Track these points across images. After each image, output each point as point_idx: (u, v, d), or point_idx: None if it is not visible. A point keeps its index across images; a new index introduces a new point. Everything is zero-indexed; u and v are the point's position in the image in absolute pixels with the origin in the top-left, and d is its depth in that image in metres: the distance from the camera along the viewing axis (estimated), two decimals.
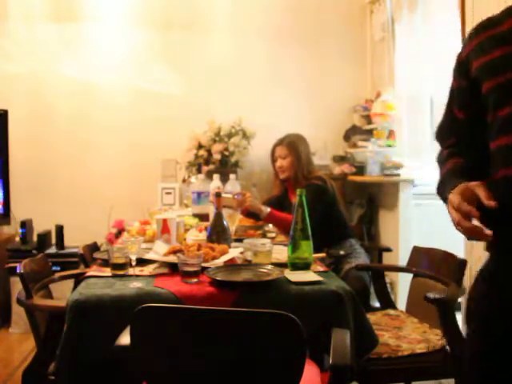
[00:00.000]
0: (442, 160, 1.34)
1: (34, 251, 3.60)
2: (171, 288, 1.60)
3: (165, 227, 2.13)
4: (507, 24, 1.13)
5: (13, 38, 4.06)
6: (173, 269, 1.79)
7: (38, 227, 3.88)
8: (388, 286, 2.58)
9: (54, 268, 3.25)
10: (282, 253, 1.98)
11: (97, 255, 2.05)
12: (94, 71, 4.14)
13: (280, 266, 1.81)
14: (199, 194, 2.96)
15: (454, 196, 1.10)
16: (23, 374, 1.71)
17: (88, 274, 1.79)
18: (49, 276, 2.03)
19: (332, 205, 2.77)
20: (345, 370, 1.25)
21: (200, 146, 3.94)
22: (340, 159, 4.16)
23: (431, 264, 2.14)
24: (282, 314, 1.12)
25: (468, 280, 2.63)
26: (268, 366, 1.16)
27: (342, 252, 2.66)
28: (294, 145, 2.86)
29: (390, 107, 3.92)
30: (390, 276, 3.69)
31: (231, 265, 1.83)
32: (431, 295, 1.81)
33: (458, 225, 1.07)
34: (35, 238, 3.80)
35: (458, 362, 1.83)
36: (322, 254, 2.15)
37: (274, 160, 2.95)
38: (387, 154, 3.89)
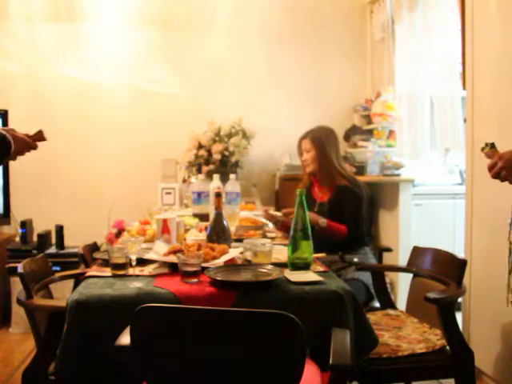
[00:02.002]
0: None
1: (34, 251, 3.60)
2: (171, 288, 1.60)
3: (165, 227, 2.12)
4: None
5: (13, 37, 4.07)
6: (173, 269, 1.79)
7: (38, 227, 3.88)
8: (388, 285, 2.58)
9: (54, 268, 3.26)
10: (282, 253, 1.98)
11: (97, 255, 2.05)
12: (93, 71, 4.15)
13: (280, 265, 1.81)
14: (199, 194, 2.96)
15: None
16: (23, 374, 1.70)
17: (88, 274, 1.79)
18: (49, 276, 2.03)
19: (362, 207, 2.75)
20: (345, 370, 1.25)
21: (200, 146, 3.94)
22: None
23: (431, 264, 2.14)
24: (282, 314, 1.12)
25: (468, 280, 2.63)
26: (268, 365, 1.16)
27: (355, 259, 2.63)
28: (318, 138, 2.78)
29: (390, 107, 3.92)
30: (389, 276, 3.69)
31: (231, 265, 1.83)
32: (431, 295, 1.81)
33: None
34: (35, 238, 3.80)
35: (458, 362, 1.83)
36: (322, 254, 2.15)
37: (300, 153, 2.90)
38: (387, 154, 3.90)
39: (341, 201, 2.67)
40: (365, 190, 2.76)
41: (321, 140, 2.77)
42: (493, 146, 1.59)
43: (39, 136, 1.89)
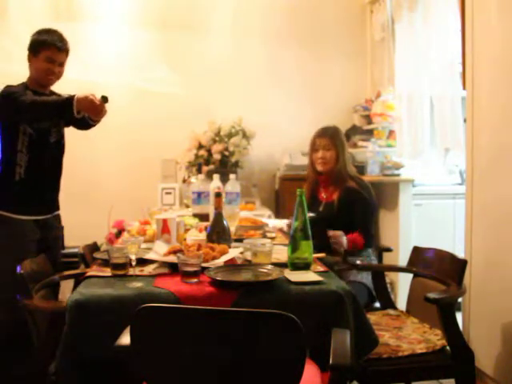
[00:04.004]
0: None
1: None
2: (171, 288, 1.60)
3: (165, 227, 2.12)
4: None
5: (13, 37, 4.06)
6: (173, 269, 1.79)
7: None
8: (388, 285, 2.58)
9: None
10: (282, 253, 1.98)
11: (97, 255, 2.05)
12: (94, 71, 4.14)
13: (280, 265, 1.81)
14: (199, 194, 2.96)
15: None
16: (23, 374, 1.71)
17: (88, 273, 1.79)
18: (49, 276, 2.03)
19: (371, 214, 2.71)
20: (345, 370, 1.25)
21: (200, 146, 3.95)
22: None
23: (431, 264, 2.14)
24: (282, 314, 1.12)
25: (468, 280, 2.63)
26: (268, 365, 1.15)
27: (358, 262, 2.58)
28: (338, 138, 2.72)
29: (390, 107, 3.92)
30: (390, 276, 3.69)
31: (231, 265, 1.83)
32: (432, 295, 1.81)
33: None
34: None
35: (458, 362, 1.83)
36: (322, 254, 2.15)
37: (314, 150, 2.76)
38: (387, 154, 3.90)
39: (351, 203, 2.63)
40: (372, 194, 2.75)
41: (341, 140, 2.73)
42: None
43: (103, 99, 2.29)
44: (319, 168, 2.74)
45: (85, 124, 2.58)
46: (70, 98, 2.26)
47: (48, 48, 2.47)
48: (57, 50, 2.48)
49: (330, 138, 2.72)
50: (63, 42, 2.53)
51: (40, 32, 2.51)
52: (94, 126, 2.59)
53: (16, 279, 1.79)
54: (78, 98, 2.25)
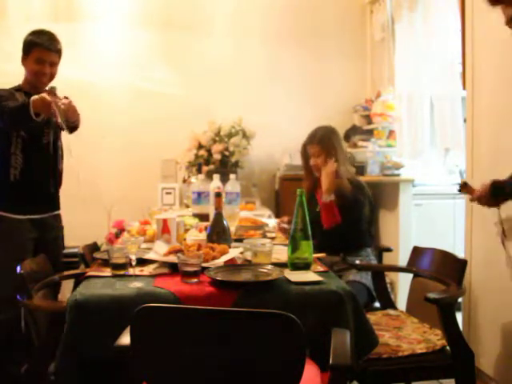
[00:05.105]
0: None
1: None
2: (171, 288, 1.60)
3: (165, 227, 2.13)
4: None
5: (13, 37, 4.06)
6: (173, 269, 1.79)
7: None
8: (388, 285, 2.58)
9: None
10: (282, 253, 1.98)
11: (97, 255, 2.05)
12: (93, 71, 4.14)
13: (280, 265, 1.81)
14: (199, 194, 2.96)
15: None
16: (23, 374, 1.70)
17: (88, 274, 1.79)
18: (49, 276, 2.03)
19: (363, 213, 2.69)
20: (345, 370, 1.25)
21: (200, 146, 3.95)
22: None
23: (431, 264, 2.14)
24: (282, 314, 1.12)
25: (468, 280, 2.63)
26: (268, 365, 1.15)
27: (357, 261, 2.57)
28: (326, 143, 2.71)
29: (390, 107, 3.92)
30: (390, 276, 3.69)
31: (231, 265, 1.83)
32: (432, 295, 1.81)
33: None
34: None
35: (458, 362, 1.83)
36: (322, 254, 2.15)
37: (306, 158, 2.78)
38: (387, 154, 3.90)
39: (343, 203, 2.64)
40: (367, 193, 2.75)
41: (329, 144, 2.72)
42: (465, 184, 2.04)
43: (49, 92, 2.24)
44: (317, 174, 2.76)
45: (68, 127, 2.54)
46: (27, 102, 2.24)
47: (37, 49, 2.45)
48: (46, 50, 2.46)
49: (317, 143, 2.71)
50: (52, 42, 2.49)
51: (31, 33, 2.50)
52: (76, 127, 2.60)
53: (16, 279, 1.79)
54: (33, 99, 2.22)
